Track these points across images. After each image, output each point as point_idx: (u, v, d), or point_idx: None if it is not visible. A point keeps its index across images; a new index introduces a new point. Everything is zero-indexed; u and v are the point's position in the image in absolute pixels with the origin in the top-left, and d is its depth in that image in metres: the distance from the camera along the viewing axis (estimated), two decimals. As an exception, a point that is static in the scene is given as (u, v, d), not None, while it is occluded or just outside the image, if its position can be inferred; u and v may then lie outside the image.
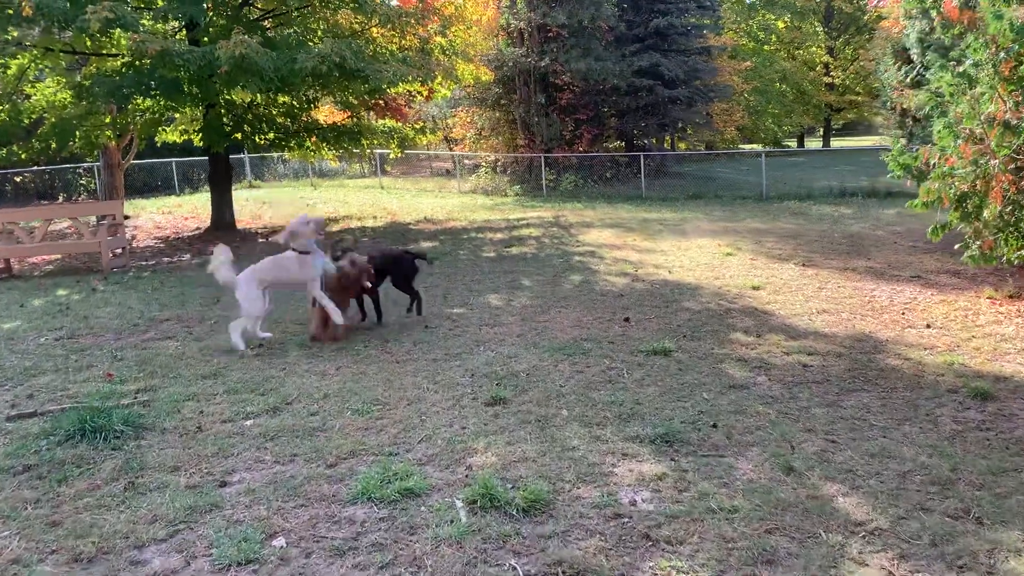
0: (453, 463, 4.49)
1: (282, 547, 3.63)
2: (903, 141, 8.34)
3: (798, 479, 4.20)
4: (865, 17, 46.28)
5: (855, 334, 7.18)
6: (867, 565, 3.39)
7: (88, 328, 8.29)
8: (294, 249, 7.23)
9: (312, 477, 4.35)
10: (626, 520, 3.77)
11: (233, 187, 21.25)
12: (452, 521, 3.79)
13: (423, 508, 3.95)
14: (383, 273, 7.95)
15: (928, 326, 7.39)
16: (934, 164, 7.63)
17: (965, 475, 4.21)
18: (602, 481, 4.19)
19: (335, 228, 17.74)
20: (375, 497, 4.04)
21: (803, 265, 10.64)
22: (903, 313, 7.94)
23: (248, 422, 5.28)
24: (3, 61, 15.66)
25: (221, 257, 7.30)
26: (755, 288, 9.19)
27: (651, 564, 3.41)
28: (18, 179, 32.60)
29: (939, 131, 7.53)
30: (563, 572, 3.36)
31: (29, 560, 3.59)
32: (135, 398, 5.83)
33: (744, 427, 4.93)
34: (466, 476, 4.29)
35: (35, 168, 31.48)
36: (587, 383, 5.84)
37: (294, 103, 17.87)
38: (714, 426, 4.93)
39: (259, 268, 7.31)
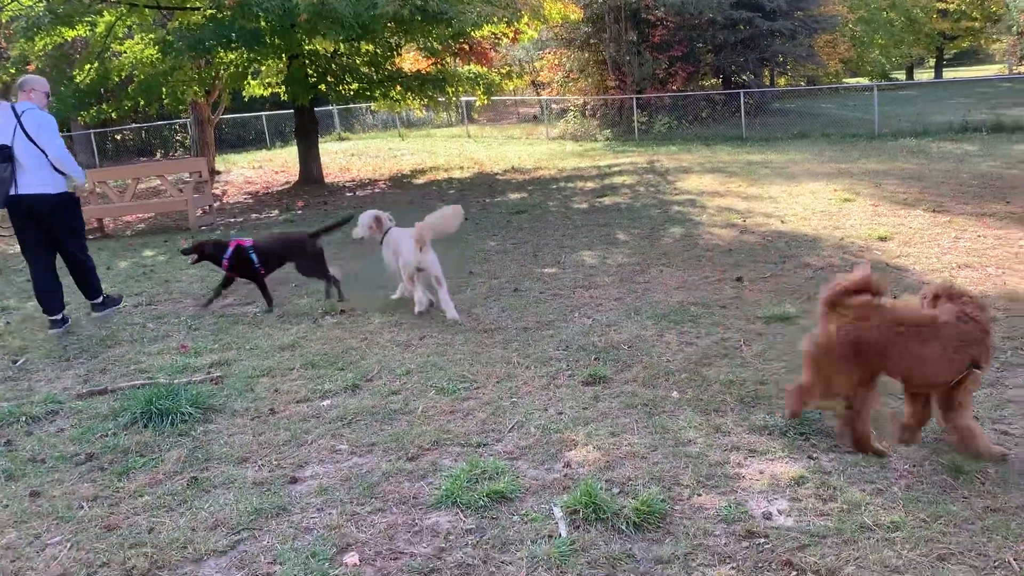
0: (549, 458, 3.90)
1: (355, 565, 3.13)
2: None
3: (969, 484, 3.45)
4: (985, -67, 42.54)
5: (1008, 293, 6.23)
6: (1080, 611, 2.66)
7: (168, 293, 8.04)
8: None
9: (391, 473, 3.84)
10: (761, 540, 3.12)
11: (322, 139, 21.04)
12: (550, 536, 3.22)
13: (516, 517, 3.38)
14: (282, 259, 7.25)
15: (1096, 282, 6.38)
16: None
17: None
18: (727, 486, 3.53)
19: (422, 180, 17.28)
20: (461, 502, 3.50)
21: (933, 211, 9.54)
22: (1061, 267, 6.90)
23: (325, 402, 4.83)
24: (91, 19, 15.63)
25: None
26: (882, 239, 8.22)
27: (798, 603, 2.76)
28: (118, 137, 33.43)
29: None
30: (688, 611, 2.75)
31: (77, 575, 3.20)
32: (208, 373, 5.46)
33: (893, 414, 4.17)
34: (564, 476, 3.70)
35: (133, 126, 32.21)
36: (699, 357, 5.15)
37: (377, 51, 17.36)
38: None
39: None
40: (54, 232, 6.81)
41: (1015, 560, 2.91)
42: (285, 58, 16.16)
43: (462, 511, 3.46)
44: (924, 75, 52.15)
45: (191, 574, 3.16)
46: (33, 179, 6.59)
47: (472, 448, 4.07)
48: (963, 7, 44.32)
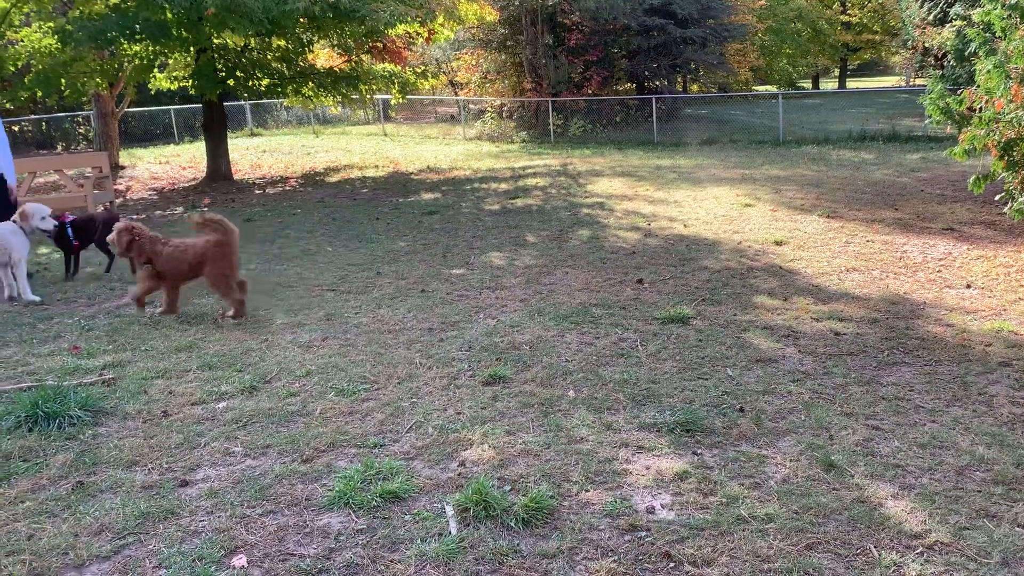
0: (444, 458, 3.95)
1: (243, 567, 3.12)
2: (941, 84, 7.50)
3: (840, 477, 3.65)
4: (885, -49, 44.49)
5: (889, 296, 6.58)
6: (930, 593, 2.86)
7: (61, 293, 7.75)
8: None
9: (284, 475, 3.83)
10: (643, 534, 3.24)
11: (233, 135, 20.54)
12: (440, 534, 3.27)
13: (407, 517, 3.42)
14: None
15: (968, 286, 6.79)
16: (980, 108, 6.91)
17: (1033, 472, 3.65)
18: (614, 481, 3.65)
19: (335, 178, 17.09)
20: (354, 503, 3.52)
21: (827, 217, 9.97)
22: (939, 271, 7.32)
23: (220, 405, 4.76)
24: (-17, 5, 14.92)
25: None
26: (778, 243, 8.56)
27: (673, 593, 2.88)
28: (15, 129, 31.89)
29: (987, 71, 6.79)
30: (569, 603, 2.84)
31: (-51, 585, 3.09)
32: (100, 375, 5.31)
33: (775, 411, 4.38)
34: (458, 475, 3.76)
35: (32, 117, 30.81)
36: (597, 358, 5.28)
37: (289, 47, 17.08)
38: (741, 410, 4.37)
39: None
40: None
41: (875, 548, 3.11)
42: (193, 51, 15.75)
43: (354, 512, 3.48)
44: (829, 84, 54.27)
45: (71, 581, 3.09)
46: None
47: (368, 449, 4.08)
48: (864, 20, 46.29)
